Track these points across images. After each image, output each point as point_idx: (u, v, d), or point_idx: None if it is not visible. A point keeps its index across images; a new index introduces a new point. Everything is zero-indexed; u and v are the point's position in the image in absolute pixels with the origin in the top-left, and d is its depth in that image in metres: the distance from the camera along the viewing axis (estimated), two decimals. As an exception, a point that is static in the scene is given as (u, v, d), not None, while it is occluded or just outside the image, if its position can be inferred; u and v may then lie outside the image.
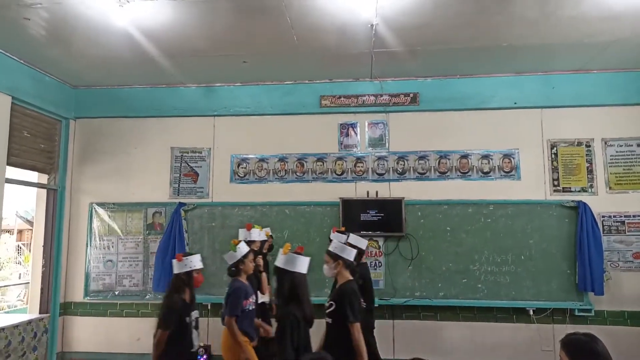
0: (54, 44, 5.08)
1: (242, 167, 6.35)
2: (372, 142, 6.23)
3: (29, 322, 5.21)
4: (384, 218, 5.92)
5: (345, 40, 5.00)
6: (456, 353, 5.76)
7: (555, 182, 5.90)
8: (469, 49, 5.26)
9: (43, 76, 5.94)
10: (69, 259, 6.40)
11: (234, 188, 6.32)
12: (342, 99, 6.24)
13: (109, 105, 6.53)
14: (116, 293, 6.27)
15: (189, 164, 6.41)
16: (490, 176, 6.00)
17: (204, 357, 5.79)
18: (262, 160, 6.33)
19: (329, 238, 4.89)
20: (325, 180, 6.21)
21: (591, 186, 5.84)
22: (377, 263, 5.96)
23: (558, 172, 5.91)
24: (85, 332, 6.26)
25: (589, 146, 5.90)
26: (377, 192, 6.06)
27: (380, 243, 5.99)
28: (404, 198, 5.94)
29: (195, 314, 3.61)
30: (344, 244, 4.16)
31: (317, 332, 3.35)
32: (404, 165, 6.14)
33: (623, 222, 5.72)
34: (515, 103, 6.00)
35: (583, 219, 5.59)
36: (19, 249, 15.51)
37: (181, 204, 6.19)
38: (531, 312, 5.65)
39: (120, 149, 6.52)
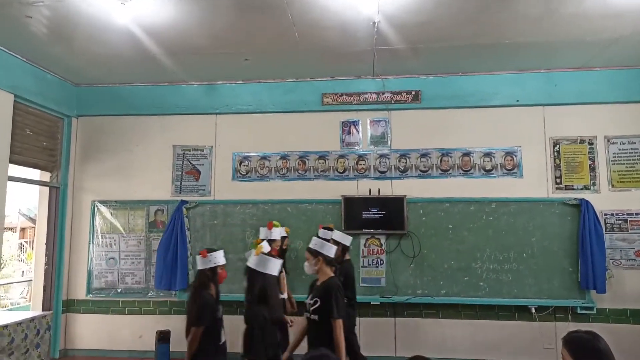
0: (56, 41, 5.09)
1: (244, 165, 6.35)
2: (374, 140, 6.22)
3: (32, 319, 5.22)
4: (386, 216, 5.92)
5: (347, 37, 5.00)
6: (458, 351, 5.76)
7: (558, 180, 5.88)
8: (471, 47, 5.25)
9: (45, 74, 5.95)
10: (72, 256, 6.42)
11: (236, 186, 6.32)
12: (344, 96, 6.24)
13: (111, 103, 6.54)
14: (118, 290, 6.29)
15: (191, 161, 6.42)
16: (493, 174, 5.99)
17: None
18: (264, 158, 6.33)
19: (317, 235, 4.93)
20: (327, 178, 6.21)
21: (594, 184, 5.82)
22: (379, 261, 5.96)
23: (560, 170, 5.90)
24: (87, 329, 6.28)
25: (592, 144, 5.89)
26: (379, 190, 6.06)
27: (382, 241, 5.99)
28: (405, 196, 5.94)
29: (220, 309, 3.64)
30: (329, 240, 4.18)
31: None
32: (405, 163, 6.13)
33: (625, 220, 5.71)
34: (517, 100, 5.99)
35: (585, 217, 5.58)
36: (21, 246, 15.56)
37: (183, 202, 6.19)
38: (533, 310, 5.64)
39: (122, 146, 6.53)
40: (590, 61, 5.68)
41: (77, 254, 6.42)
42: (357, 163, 6.20)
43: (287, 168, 6.28)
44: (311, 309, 3.32)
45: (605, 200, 5.75)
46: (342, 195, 6.03)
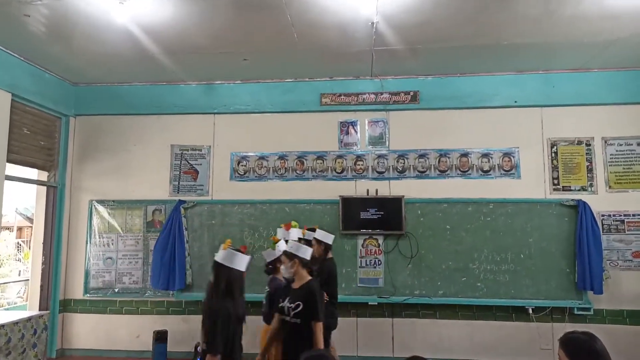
0: (54, 41, 5.08)
1: (242, 165, 6.34)
2: (372, 140, 6.23)
3: (29, 319, 5.21)
4: (384, 216, 5.92)
5: (346, 38, 5.00)
6: (455, 351, 5.76)
7: (555, 181, 5.90)
8: (469, 47, 5.25)
9: (43, 73, 5.93)
10: (69, 256, 6.41)
11: (234, 186, 6.31)
12: (342, 97, 6.24)
13: (109, 102, 6.52)
14: (116, 290, 6.27)
15: (189, 161, 6.41)
16: (490, 175, 6.00)
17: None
18: (262, 158, 6.33)
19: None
20: (325, 178, 6.21)
21: (591, 185, 5.84)
22: (376, 261, 5.97)
23: (558, 171, 5.91)
24: (84, 329, 6.26)
25: (589, 145, 5.90)
26: (377, 190, 6.06)
27: (380, 241, 5.99)
28: (403, 196, 5.94)
29: None
30: (313, 239, 4.18)
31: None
32: (404, 163, 6.14)
33: (622, 221, 5.72)
34: (515, 101, 6.00)
35: (583, 218, 5.59)
36: (18, 246, 15.51)
37: (181, 202, 6.19)
38: (530, 311, 5.65)
39: (120, 146, 6.51)
40: (588, 62, 5.70)
41: (75, 253, 6.41)
42: (355, 163, 6.20)
43: (285, 168, 6.28)
44: (292, 312, 3.28)
45: (602, 202, 5.76)
46: (340, 196, 6.04)
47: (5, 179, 5.31)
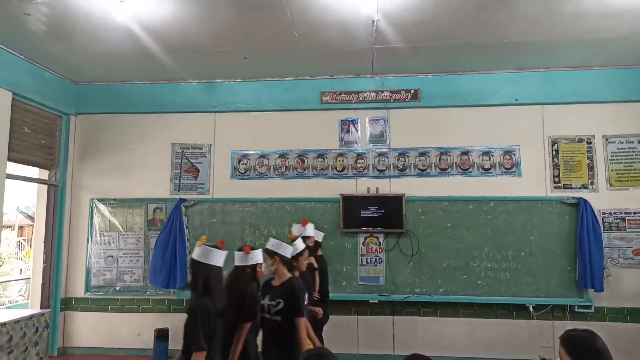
0: (55, 39, 5.08)
1: (243, 163, 6.35)
2: (372, 139, 6.23)
3: (30, 317, 5.21)
4: (385, 214, 5.93)
5: (347, 36, 4.99)
6: (456, 349, 5.77)
7: (556, 179, 5.89)
8: (470, 45, 5.25)
9: (44, 72, 5.94)
10: (70, 254, 6.42)
11: (235, 184, 6.32)
12: (342, 95, 6.24)
13: (110, 101, 6.53)
14: (117, 289, 6.29)
15: (190, 160, 6.42)
16: (491, 173, 6.00)
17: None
18: (262, 156, 6.33)
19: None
20: (326, 176, 6.22)
21: (592, 183, 5.84)
22: (377, 259, 5.97)
23: (559, 169, 5.91)
24: (86, 327, 6.28)
25: (590, 143, 5.90)
26: (377, 189, 6.06)
27: (381, 239, 5.99)
28: (404, 194, 5.94)
29: None
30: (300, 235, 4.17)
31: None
32: (404, 161, 6.14)
33: (623, 219, 5.72)
34: (516, 99, 6.00)
35: (583, 216, 5.59)
36: (20, 244, 15.55)
37: (182, 200, 6.19)
38: (531, 309, 5.66)
39: (121, 144, 6.52)
40: (589, 60, 5.69)
41: (76, 252, 6.42)
42: (355, 161, 6.20)
43: (286, 166, 6.28)
44: (273, 310, 3.29)
45: (603, 199, 5.76)
46: (340, 194, 6.04)
47: (6, 178, 5.32)
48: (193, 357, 2.56)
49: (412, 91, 6.14)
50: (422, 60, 5.72)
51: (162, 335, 5.77)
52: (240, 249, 3.45)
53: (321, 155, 6.25)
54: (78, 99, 6.53)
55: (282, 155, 6.30)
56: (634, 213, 5.71)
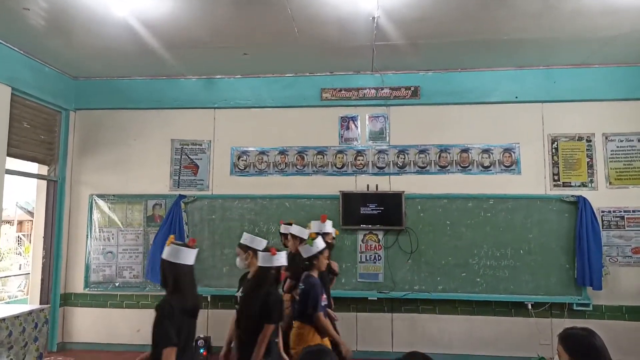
0: (54, 34, 5.06)
1: (243, 160, 6.34)
2: (372, 136, 6.22)
3: (30, 312, 5.22)
4: (384, 211, 5.93)
5: (347, 32, 4.98)
6: (454, 346, 5.79)
7: (556, 177, 5.90)
8: (470, 43, 5.24)
9: (43, 67, 5.92)
10: (69, 250, 6.42)
11: (234, 181, 6.32)
12: (342, 92, 6.23)
13: (109, 96, 6.51)
14: (116, 284, 6.29)
15: (189, 156, 6.41)
16: (491, 170, 6.00)
17: (204, 350, 5.81)
18: (262, 153, 6.32)
19: (279, 232, 5.22)
20: (326, 173, 6.21)
21: (591, 181, 5.84)
22: (376, 256, 5.98)
23: (558, 167, 5.91)
24: (85, 323, 6.29)
25: (590, 141, 5.90)
26: (377, 186, 6.06)
27: (380, 237, 6.00)
28: (404, 192, 5.94)
29: None
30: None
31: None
32: (404, 158, 6.13)
33: (622, 217, 5.73)
34: (516, 97, 5.99)
35: (583, 214, 5.60)
36: (19, 239, 15.55)
37: (181, 196, 6.19)
38: (530, 307, 5.67)
39: (120, 140, 6.51)
40: (589, 58, 5.68)
41: (75, 247, 6.42)
42: (355, 159, 6.20)
43: (286, 163, 6.28)
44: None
45: (602, 198, 5.76)
46: (340, 191, 6.04)
47: (6, 173, 5.31)
48: (164, 353, 2.54)
49: (412, 88, 6.13)
50: (422, 57, 5.71)
51: (161, 331, 5.76)
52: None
53: (321, 152, 6.24)
54: (77, 95, 6.51)
55: (282, 152, 6.29)
56: (633, 211, 5.71)
